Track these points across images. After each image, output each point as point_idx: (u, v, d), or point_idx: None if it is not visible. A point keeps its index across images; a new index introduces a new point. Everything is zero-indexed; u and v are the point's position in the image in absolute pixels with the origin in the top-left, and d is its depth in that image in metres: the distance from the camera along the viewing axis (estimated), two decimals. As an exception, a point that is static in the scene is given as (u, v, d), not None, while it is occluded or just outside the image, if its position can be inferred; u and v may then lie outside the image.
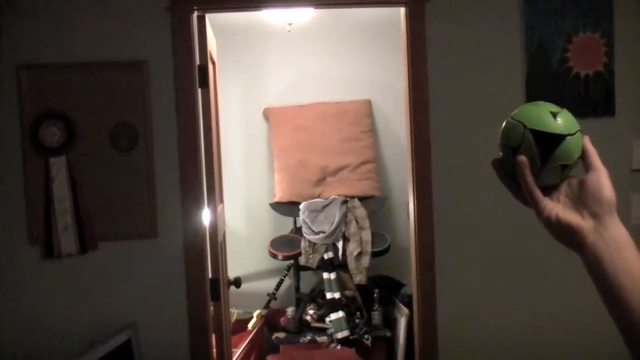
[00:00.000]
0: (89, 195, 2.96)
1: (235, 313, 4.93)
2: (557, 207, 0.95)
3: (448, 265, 3.16)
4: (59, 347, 2.92)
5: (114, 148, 2.98)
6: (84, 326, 2.97)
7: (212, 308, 3.18)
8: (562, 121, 0.95)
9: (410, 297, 4.47)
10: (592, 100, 3.15)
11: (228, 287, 3.58)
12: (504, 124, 0.99)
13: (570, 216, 0.94)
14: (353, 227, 4.87)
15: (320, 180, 5.13)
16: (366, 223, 4.90)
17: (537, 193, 0.96)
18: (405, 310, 4.66)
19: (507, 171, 1.00)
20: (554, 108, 0.96)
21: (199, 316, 3.04)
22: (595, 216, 0.92)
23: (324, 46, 5.39)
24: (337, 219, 4.85)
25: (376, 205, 5.12)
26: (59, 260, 2.94)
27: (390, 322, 4.90)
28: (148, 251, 3.02)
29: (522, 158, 0.95)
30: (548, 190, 0.98)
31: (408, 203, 3.29)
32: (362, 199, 5.07)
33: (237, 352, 4.54)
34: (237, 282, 3.64)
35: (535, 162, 0.95)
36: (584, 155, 0.97)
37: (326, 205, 4.97)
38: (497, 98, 3.14)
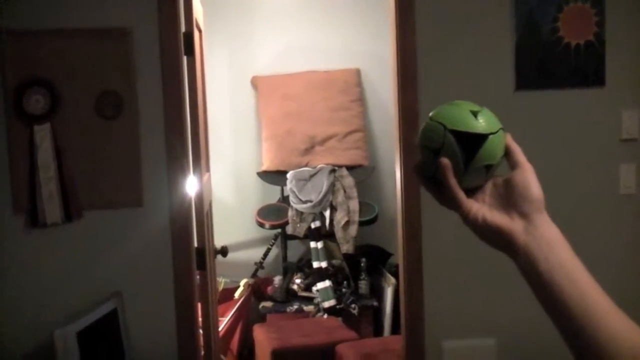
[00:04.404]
0: (73, 164, 2.92)
1: (222, 282, 4.94)
2: (484, 209, 0.93)
3: (435, 234, 3.15)
4: (44, 317, 2.91)
5: (99, 116, 2.94)
6: (69, 295, 2.95)
7: (198, 277, 3.17)
8: (483, 120, 0.91)
9: (397, 266, 4.49)
10: (583, 70, 3.13)
11: (215, 256, 3.58)
12: (422, 126, 0.94)
13: (498, 218, 0.91)
14: (340, 196, 4.86)
15: (308, 149, 5.11)
16: (354, 192, 4.90)
17: (462, 196, 0.92)
18: (392, 280, 4.68)
19: (429, 175, 0.96)
20: (474, 107, 0.92)
21: (184, 285, 3.03)
22: (525, 216, 0.89)
23: (314, 14, 5.33)
24: (324, 188, 4.84)
25: (364, 174, 5.12)
26: (43, 229, 2.91)
27: (377, 292, 4.92)
28: (133, 220, 3.00)
29: (445, 160, 0.90)
30: (472, 192, 0.94)
31: (395, 172, 3.28)
32: (350, 168, 5.06)
33: (224, 321, 4.55)
34: (224, 251, 3.64)
35: (458, 164, 0.91)
36: (508, 154, 0.93)
37: (314, 175, 4.96)
38: (486, 68, 3.12)
